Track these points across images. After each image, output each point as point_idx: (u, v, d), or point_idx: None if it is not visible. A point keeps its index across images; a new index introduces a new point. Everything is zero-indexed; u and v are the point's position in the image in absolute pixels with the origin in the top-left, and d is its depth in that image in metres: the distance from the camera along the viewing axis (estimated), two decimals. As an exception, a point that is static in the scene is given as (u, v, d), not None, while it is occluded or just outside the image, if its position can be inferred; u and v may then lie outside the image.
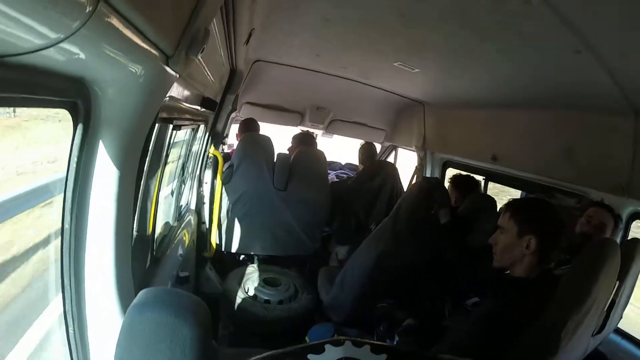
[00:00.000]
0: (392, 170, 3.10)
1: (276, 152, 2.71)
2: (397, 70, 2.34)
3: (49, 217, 0.87)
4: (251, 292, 2.27)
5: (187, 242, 2.12)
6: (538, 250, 1.26)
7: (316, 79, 3.04)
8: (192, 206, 2.53)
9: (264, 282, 2.36)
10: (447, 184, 2.67)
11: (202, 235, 2.61)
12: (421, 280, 1.95)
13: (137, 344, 0.68)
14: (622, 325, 1.70)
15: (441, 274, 1.81)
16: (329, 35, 2.07)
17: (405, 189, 3.03)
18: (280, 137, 3.27)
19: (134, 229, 1.30)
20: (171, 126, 1.46)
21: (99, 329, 0.89)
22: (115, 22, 0.50)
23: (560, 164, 2.04)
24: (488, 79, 2.12)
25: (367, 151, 3.28)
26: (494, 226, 1.37)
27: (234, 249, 2.70)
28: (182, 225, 2.15)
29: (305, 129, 3.81)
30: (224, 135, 3.04)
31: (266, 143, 2.65)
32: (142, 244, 1.41)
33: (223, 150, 3.28)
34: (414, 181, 3.74)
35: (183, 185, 2.25)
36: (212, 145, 2.62)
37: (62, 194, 0.81)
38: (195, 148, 2.39)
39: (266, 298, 2.25)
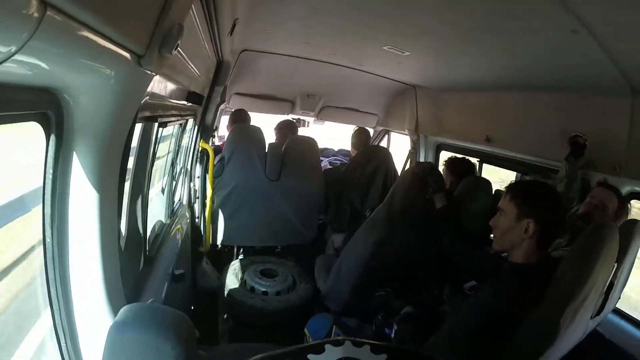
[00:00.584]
0: (385, 155, 3.05)
1: (267, 142, 2.67)
2: (387, 53, 2.29)
3: (30, 230, 0.83)
4: (249, 285, 2.26)
5: (181, 238, 2.10)
6: (537, 235, 1.24)
7: (305, 67, 2.97)
8: (185, 202, 2.50)
9: (261, 273, 2.34)
10: (441, 168, 2.65)
11: (196, 230, 2.59)
12: (418, 267, 1.95)
13: None
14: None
15: (438, 260, 1.80)
16: (317, 24, 2.02)
17: (399, 174, 3.00)
18: (271, 127, 3.21)
19: (124, 232, 1.27)
20: (156, 124, 1.42)
21: (91, 340, 0.87)
22: (69, 27, 0.47)
23: (555, 145, 2.02)
24: (481, 61, 2.08)
25: (360, 136, 3.21)
26: (489, 209, 1.35)
27: (229, 242, 2.68)
28: (176, 222, 2.12)
29: (295, 117, 3.76)
30: (214, 127, 2.98)
31: (257, 134, 2.61)
32: (134, 246, 1.39)
33: (213, 143, 3.23)
34: (407, 166, 3.72)
35: (174, 182, 2.22)
36: (202, 139, 2.57)
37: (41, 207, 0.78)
38: (184, 143, 2.35)
39: (264, 290, 2.24)
